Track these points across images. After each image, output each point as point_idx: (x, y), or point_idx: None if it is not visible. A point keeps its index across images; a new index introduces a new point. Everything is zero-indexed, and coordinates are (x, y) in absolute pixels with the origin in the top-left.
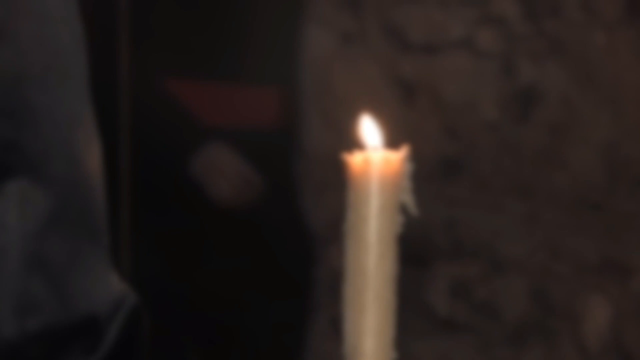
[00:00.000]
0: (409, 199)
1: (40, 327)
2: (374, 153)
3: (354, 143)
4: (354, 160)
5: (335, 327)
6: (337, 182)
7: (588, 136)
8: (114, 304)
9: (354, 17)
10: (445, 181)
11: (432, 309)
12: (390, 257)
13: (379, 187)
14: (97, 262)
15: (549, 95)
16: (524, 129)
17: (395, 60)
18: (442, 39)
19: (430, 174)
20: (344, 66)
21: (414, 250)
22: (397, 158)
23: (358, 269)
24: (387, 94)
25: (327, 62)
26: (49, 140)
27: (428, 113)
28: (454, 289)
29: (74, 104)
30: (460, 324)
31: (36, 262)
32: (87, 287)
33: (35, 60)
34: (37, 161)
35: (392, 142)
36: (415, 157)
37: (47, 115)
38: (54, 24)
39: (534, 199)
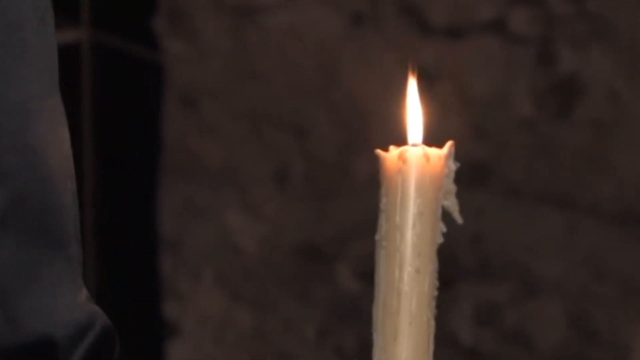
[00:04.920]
0: (452, 204)
1: None
2: (412, 149)
3: (365, 143)
4: (389, 157)
5: (342, 356)
6: (344, 189)
7: (638, 136)
8: (78, 328)
9: None
10: (471, 188)
11: (455, 336)
12: (428, 273)
13: (417, 190)
14: (57, 276)
15: (593, 88)
16: (563, 128)
17: (413, 45)
18: (468, 20)
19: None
20: (353, 52)
21: None
22: (439, 155)
23: (391, 287)
24: (404, 84)
25: (333, 47)
26: None
27: (451, 108)
28: (480, 314)
29: (32, 90)
30: (487, 355)
31: None
32: (43, 304)
33: None
34: None
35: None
36: None
37: None
38: None
39: (574, 209)
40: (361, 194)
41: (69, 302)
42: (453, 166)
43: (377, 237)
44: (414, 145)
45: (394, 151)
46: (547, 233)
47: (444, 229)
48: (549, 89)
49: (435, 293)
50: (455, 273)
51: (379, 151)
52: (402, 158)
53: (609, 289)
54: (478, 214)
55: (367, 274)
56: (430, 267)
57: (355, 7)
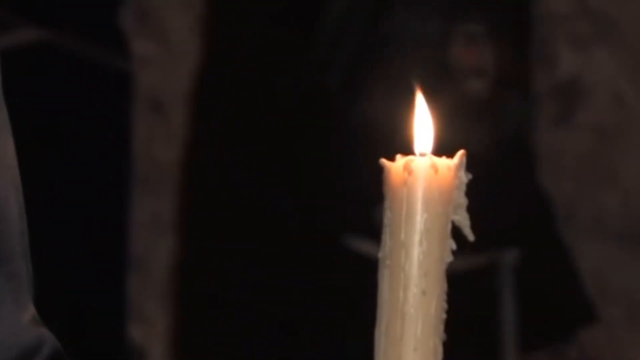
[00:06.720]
0: (463, 219)
1: None
2: (418, 159)
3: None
4: (394, 167)
5: None
6: None
7: None
8: (22, 351)
9: None
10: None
11: None
12: (436, 294)
13: (424, 204)
14: None
15: (596, 91)
16: (563, 133)
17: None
18: None
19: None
20: None
21: None
22: (448, 166)
23: (394, 310)
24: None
25: None
26: None
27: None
28: None
29: None
30: None
31: None
32: None
33: None
34: None
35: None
36: None
37: None
38: None
39: (575, 223)
40: None
41: (10, 324)
42: (465, 178)
43: (380, 254)
44: (421, 155)
45: (399, 161)
46: None
47: (454, 247)
48: (548, 91)
49: (444, 316)
50: None
51: (383, 161)
52: (407, 169)
53: (613, 310)
54: None
55: None
56: (437, 288)
57: None
